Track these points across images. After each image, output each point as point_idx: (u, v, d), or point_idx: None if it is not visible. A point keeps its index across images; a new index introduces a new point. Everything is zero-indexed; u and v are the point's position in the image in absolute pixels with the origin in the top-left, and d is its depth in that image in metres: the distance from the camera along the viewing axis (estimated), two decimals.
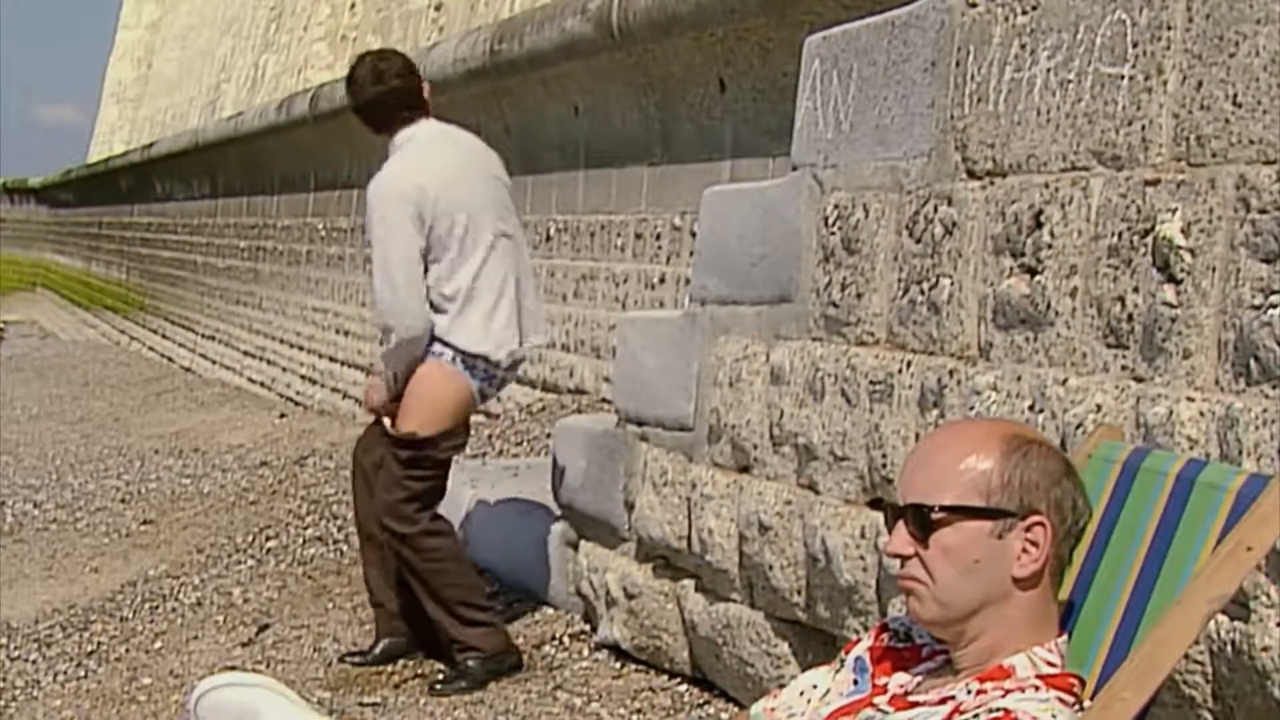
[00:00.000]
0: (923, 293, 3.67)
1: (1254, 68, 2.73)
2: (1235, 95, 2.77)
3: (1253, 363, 2.68)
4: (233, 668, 5.60)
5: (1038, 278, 3.24)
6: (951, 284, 3.56)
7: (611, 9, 9.02)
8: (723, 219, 4.72)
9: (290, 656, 5.79)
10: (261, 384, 18.81)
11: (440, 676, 5.23)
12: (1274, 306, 2.64)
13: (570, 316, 9.88)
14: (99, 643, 6.69)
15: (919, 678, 2.32)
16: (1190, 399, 2.79)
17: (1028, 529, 2.23)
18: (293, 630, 6.11)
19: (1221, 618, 2.64)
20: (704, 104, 8.54)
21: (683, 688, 4.85)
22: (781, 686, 2.56)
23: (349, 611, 6.20)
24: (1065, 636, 2.28)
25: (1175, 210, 2.86)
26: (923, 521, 2.25)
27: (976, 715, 2.14)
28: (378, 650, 5.46)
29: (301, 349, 17.48)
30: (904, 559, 2.28)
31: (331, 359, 16.19)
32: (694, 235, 6.45)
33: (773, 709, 2.47)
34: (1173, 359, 2.85)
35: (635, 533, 5.04)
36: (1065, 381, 3.12)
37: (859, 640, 2.45)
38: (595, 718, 4.75)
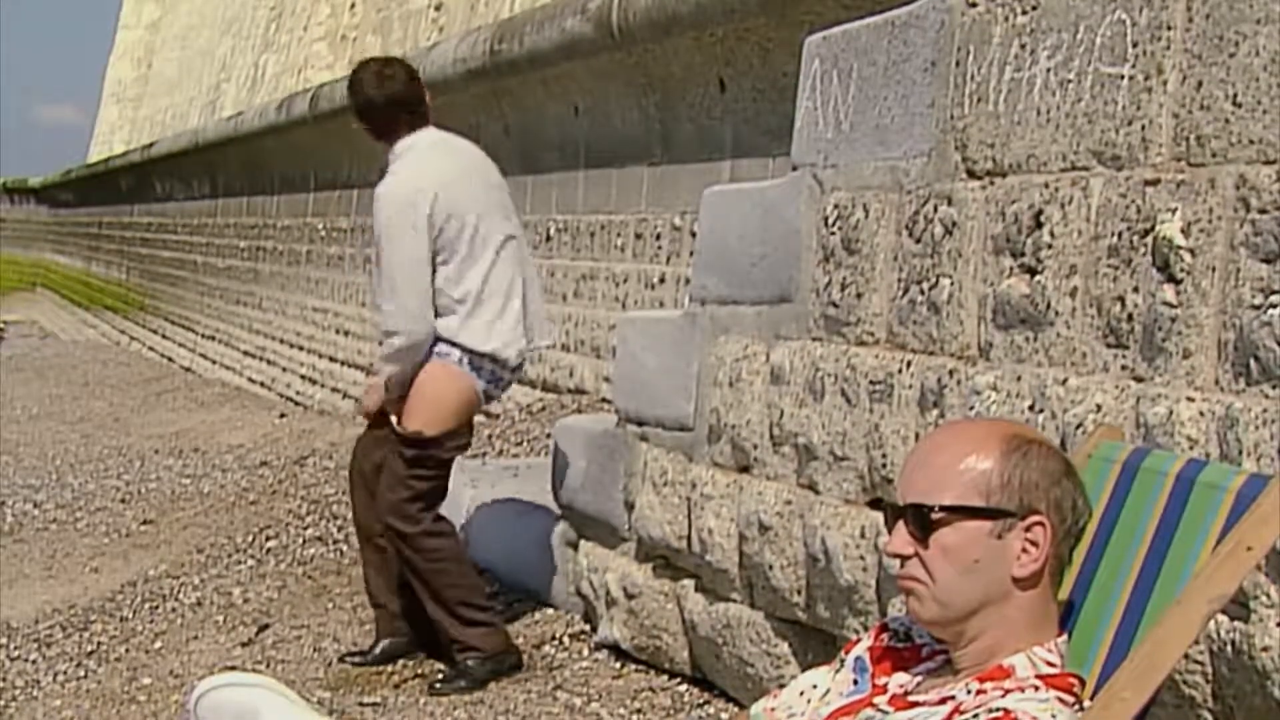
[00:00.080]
0: (923, 293, 3.67)
1: (1254, 68, 2.73)
2: (1235, 95, 2.77)
3: (1253, 363, 2.68)
4: (233, 668, 5.60)
5: (1038, 278, 3.24)
6: (951, 284, 3.56)
7: (611, 9, 9.02)
8: (723, 219, 4.72)
9: (290, 656, 5.79)
10: (261, 384, 18.82)
11: (440, 676, 5.24)
12: (1274, 306, 2.64)
13: (570, 316, 9.88)
14: (99, 643, 6.69)
15: (919, 678, 2.32)
16: (1190, 399, 2.79)
17: (1027, 529, 2.23)
18: (293, 630, 6.11)
19: (1221, 618, 2.64)
20: (704, 104, 8.55)
21: (683, 688, 4.85)
22: (781, 686, 2.56)
23: (349, 611, 6.20)
24: (1065, 636, 2.28)
25: (1175, 210, 2.86)
26: (923, 521, 2.25)
27: (976, 715, 2.14)
28: (378, 650, 5.47)
29: (301, 349, 17.48)
30: (904, 559, 2.28)
31: (331, 359, 16.19)
32: (694, 235, 6.45)
33: (773, 709, 2.47)
34: (1173, 359, 2.85)
35: (635, 533, 5.04)
36: (1065, 381, 3.12)
37: (859, 640, 2.45)
38: (595, 718, 4.75)
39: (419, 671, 5.34)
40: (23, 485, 11.26)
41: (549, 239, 10.58)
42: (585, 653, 5.33)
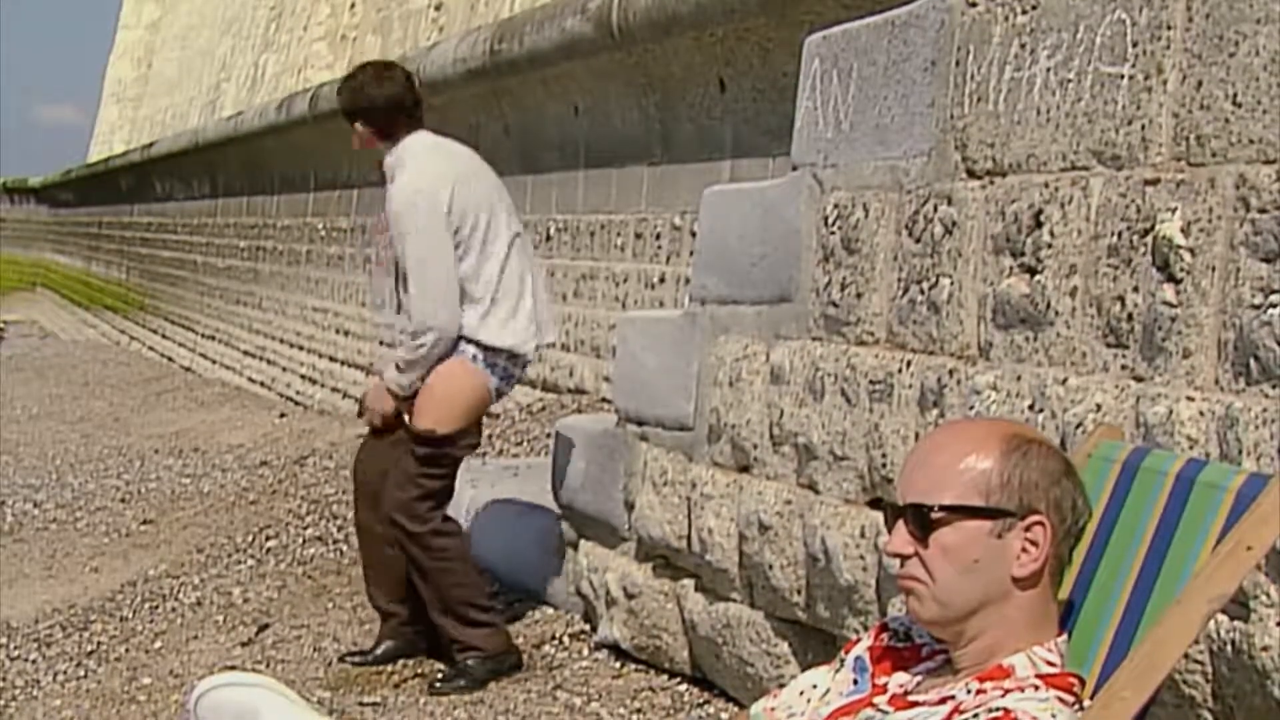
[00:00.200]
0: (922, 292, 3.67)
1: (1254, 67, 2.73)
2: (1235, 95, 2.77)
3: (1252, 362, 2.68)
4: (233, 668, 5.60)
5: (1037, 277, 3.24)
6: (951, 284, 3.56)
7: (611, 9, 9.02)
8: (723, 219, 4.72)
9: (290, 656, 5.79)
10: (261, 384, 18.82)
11: (440, 676, 5.23)
12: (1274, 306, 2.64)
13: (570, 316, 9.88)
14: (99, 643, 6.69)
15: (919, 677, 2.32)
16: (1190, 398, 2.79)
17: (1027, 529, 2.23)
18: (293, 630, 6.11)
19: (1221, 617, 2.64)
20: (704, 104, 8.55)
21: (683, 687, 4.85)
22: (781, 686, 2.56)
23: (349, 611, 6.20)
24: (1065, 636, 2.28)
25: (1175, 210, 2.86)
26: (922, 521, 2.25)
27: (976, 715, 2.14)
28: (378, 650, 5.46)
29: (301, 349, 17.48)
30: (904, 558, 2.28)
31: (331, 359, 16.19)
32: (694, 235, 6.45)
33: (773, 709, 2.47)
34: (1172, 358, 2.85)
35: (635, 532, 5.04)
36: (1065, 381, 3.12)
37: (859, 640, 2.45)
38: (595, 717, 4.75)
39: (419, 671, 5.34)
40: (23, 485, 11.26)
41: (549, 239, 10.58)
42: (585, 652, 5.33)
